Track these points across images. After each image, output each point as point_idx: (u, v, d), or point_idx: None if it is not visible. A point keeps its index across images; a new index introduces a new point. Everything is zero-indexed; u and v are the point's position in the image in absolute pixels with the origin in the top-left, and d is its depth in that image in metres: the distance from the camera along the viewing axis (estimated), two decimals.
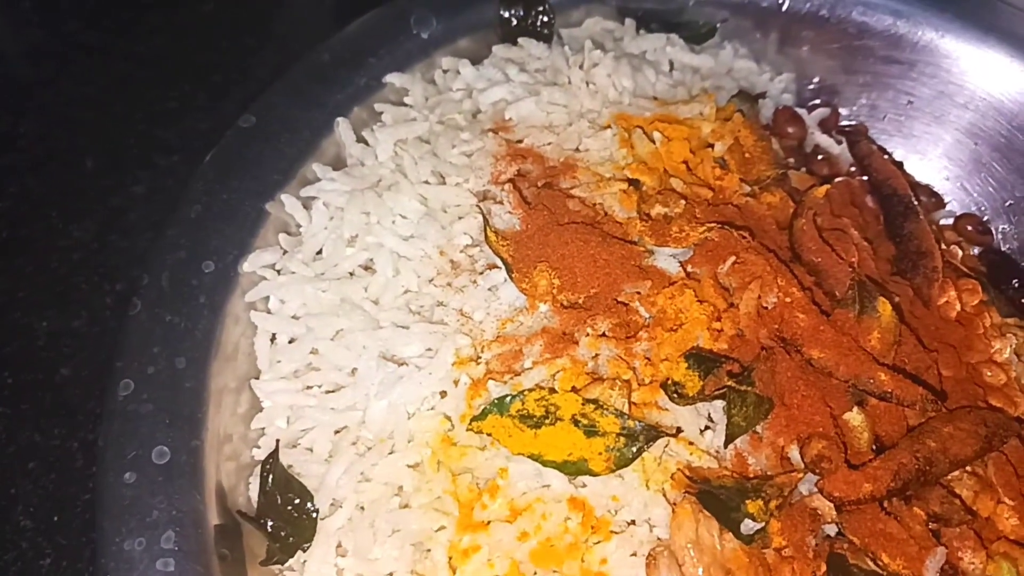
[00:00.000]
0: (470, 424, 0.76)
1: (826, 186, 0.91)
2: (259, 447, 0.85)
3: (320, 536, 0.79)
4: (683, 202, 0.85)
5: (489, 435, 0.76)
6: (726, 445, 0.75)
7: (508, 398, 0.75)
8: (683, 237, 0.82)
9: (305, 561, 0.79)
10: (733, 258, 0.83)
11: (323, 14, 1.51)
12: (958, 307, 1.01)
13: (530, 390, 0.76)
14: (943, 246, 1.11)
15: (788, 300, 0.81)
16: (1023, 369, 1.02)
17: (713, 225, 0.83)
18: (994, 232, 1.18)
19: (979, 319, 1.02)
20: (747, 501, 0.72)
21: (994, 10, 1.15)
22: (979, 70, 1.14)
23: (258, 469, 0.82)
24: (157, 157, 1.30)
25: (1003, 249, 1.17)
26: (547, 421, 0.74)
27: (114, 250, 1.21)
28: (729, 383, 0.73)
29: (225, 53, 1.43)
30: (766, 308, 0.82)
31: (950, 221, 1.19)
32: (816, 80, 1.23)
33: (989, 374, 0.98)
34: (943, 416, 0.83)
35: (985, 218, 1.19)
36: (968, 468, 0.86)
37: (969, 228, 1.18)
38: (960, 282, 1.03)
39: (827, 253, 0.87)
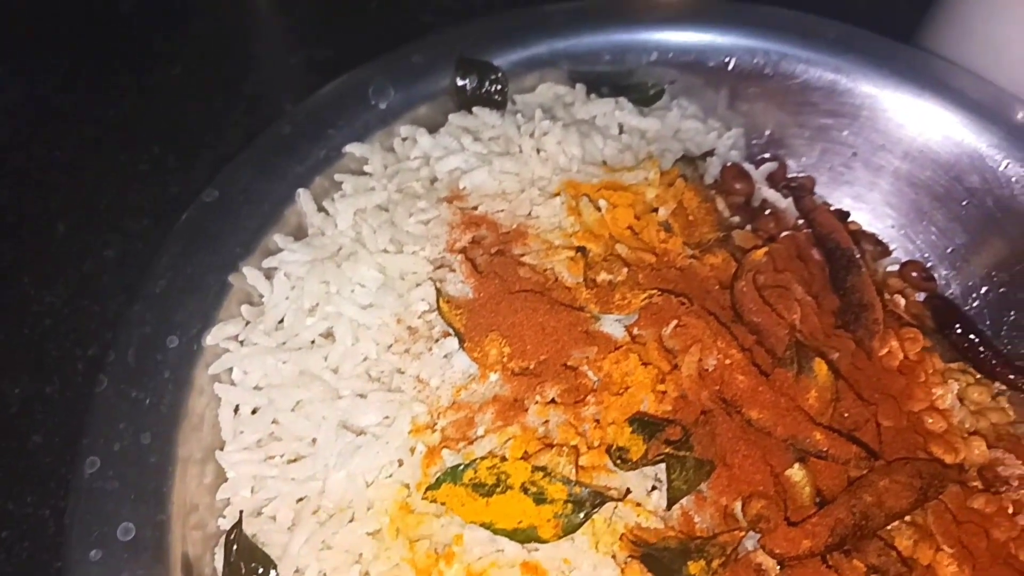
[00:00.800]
0: (425, 493, 0.79)
1: (763, 249, 0.95)
2: (224, 516, 0.88)
3: None
4: (625, 270, 0.89)
5: (443, 504, 0.79)
6: (668, 508, 0.78)
7: (461, 467, 0.79)
8: (625, 304, 0.86)
9: None
10: (675, 322, 0.87)
11: (290, 75, 1.55)
12: (901, 356, 1.06)
13: (482, 458, 0.79)
14: (887, 295, 1.15)
15: (728, 362, 0.85)
16: (966, 414, 1.06)
17: (653, 292, 0.87)
18: (937, 278, 1.22)
19: (921, 366, 1.06)
20: (690, 562, 0.75)
21: (928, 64, 1.20)
22: (916, 123, 1.18)
23: (223, 539, 0.85)
24: (128, 221, 1.34)
25: (946, 295, 1.22)
26: (498, 489, 0.77)
27: (86, 315, 1.24)
28: (667, 450, 0.77)
29: (195, 115, 1.47)
30: (707, 370, 0.85)
31: (896, 268, 1.24)
32: (767, 133, 1.28)
33: (930, 421, 1.02)
34: (880, 469, 0.87)
35: (929, 264, 1.23)
36: (907, 518, 0.90)
37: (914, 275, 1.22)
38: (902, 331, 1.07)
39: (767, 313, 0.91)
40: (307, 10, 1.66)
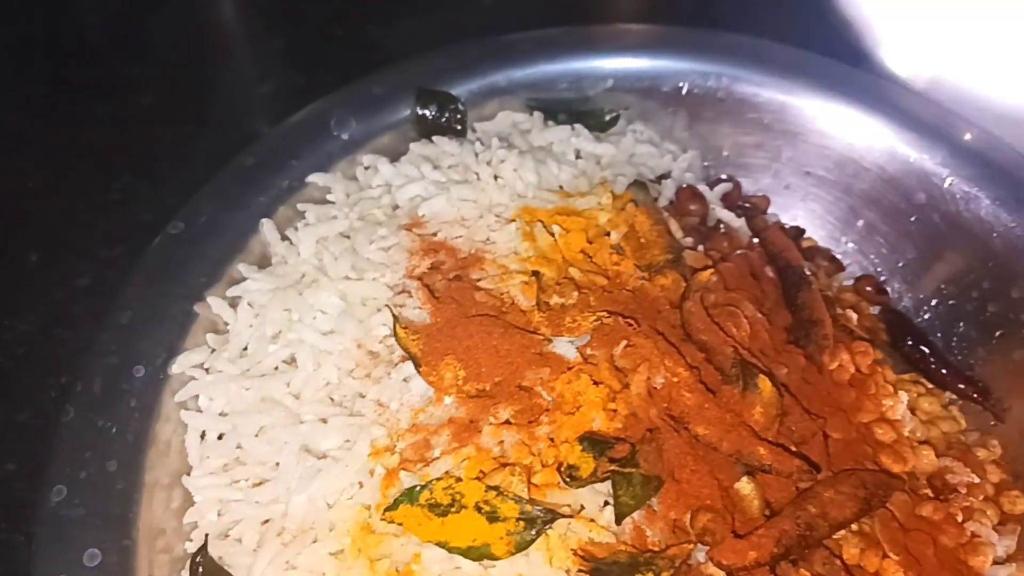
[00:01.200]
0: (383, 514, 0.82)
1: (710, 270, 0.98)
2: (191, 540, 0.90)
3: None
4: (576, 293, 0.93)
5: (401, 524, 0.81)
6: (617, 523, 0.81)
7: (417, 488, 0.82)
8: (575, 327, 0.89)
9: None
10: (625, 342, 0.90)
11: (258, 102, 1.59)
12: (852, 369, 1.09)
13: (438, 479, 0.82)
14: (841, 310, 1.19)
15: (675, 380, 0.88)
16: (917, 424, 1.10)
17: (603, 314, 0.90)
18: (890, 292, 1.26)
19: (873, 379, 1.10)
20: (637, 575, 0.78)
21: (877, 85, 1.25)
22: (865, 142, 1.22)
23: (189, 562, 0.87)
24: (100, 249, 1.36)
25: (899, 308, 1.26)
26: (453, 509, 0.80)
27: (58, 342, 1.26)
28: (612, 467, 0.80)
29: (164, 143, 1.50)
30: (656, 388, 0.89)
31: (851, 283, 1.28)
32: (723, 155, 1.32)
33: (880, 432, 1.05)
34: (825, 481, 0.90)
35: (882, 279, 1.27)
36: (855, 527, 0.93)
37: (867, 289, 1.26)
38: (853, 345, 1.11)
39: (714, 332, 0.94)
40: (274, 40, 1.70)
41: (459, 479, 0.82)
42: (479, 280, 0.97)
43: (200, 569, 0.86)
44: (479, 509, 0.80)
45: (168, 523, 0.90)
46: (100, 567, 0.81)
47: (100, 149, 1.50)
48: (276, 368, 0.95)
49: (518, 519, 0.80)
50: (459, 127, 1.15)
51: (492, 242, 1.01)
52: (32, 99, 1.57)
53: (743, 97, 1.24)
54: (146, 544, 0.85)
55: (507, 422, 0.86)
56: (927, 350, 1.18)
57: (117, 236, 1.38)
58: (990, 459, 1.11)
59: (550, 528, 0.81)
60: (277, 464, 0.89)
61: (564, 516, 0.80)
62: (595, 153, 1.15)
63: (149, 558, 0.85)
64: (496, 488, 0.81)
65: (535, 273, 0.96)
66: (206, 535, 0.87)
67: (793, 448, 0.89)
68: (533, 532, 0.79)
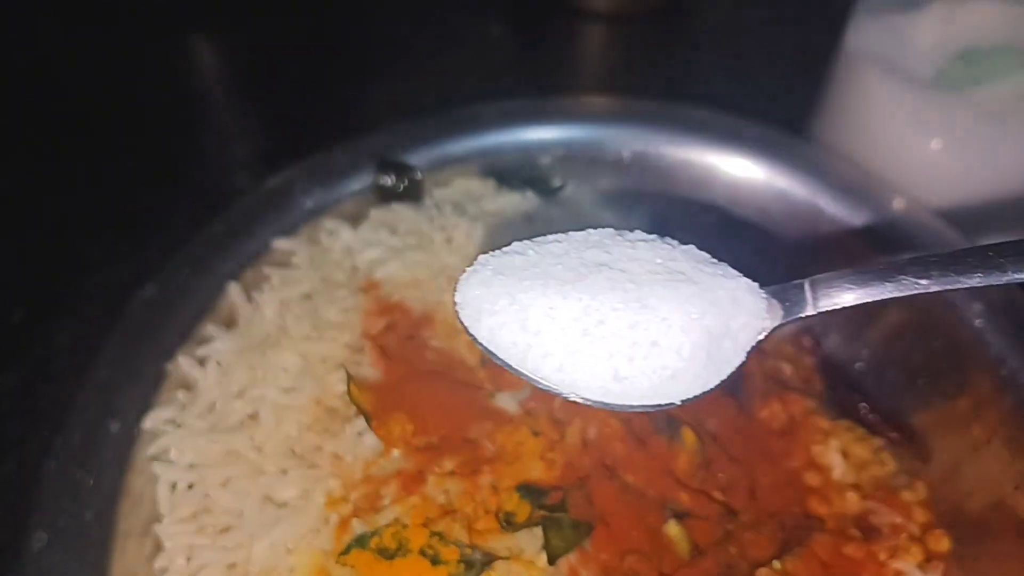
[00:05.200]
0: (337, 559, 0.89)
1: None
2: None
3: None
4: None
5: (353, 567, 0.89)
6: (550, 563, 0.89)
7: (367, 535, 0.89)
8: (515, 381, 0.97)
9: None
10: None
11: (236, 165, 1.68)
12: (783, 418, 1.17)
13: (387, 526, 0.90)
14: (773, 360, 1.27)
15: (607, 431, 0.96)
16: (847, 468, 1.17)
17: None
18: (825, 344, 1.35)
19: (804, 426, 1.18)
20: None
21: (801, 149, 1.35)
22: (795, 205, 1.32)
23: None
24: (82, 307, 1.43)
25: (834, 359, 1.34)
26: (399, 553, 0.88)
27: (41, 397, 1.33)
28: (541, 513, 0.88)
29: (146, 205, 1.58)
30: (590, 439, 0.97)
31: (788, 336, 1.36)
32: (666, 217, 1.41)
33: (808, 477, 1.13)
34: (746, 523, 0.98)
35: (817, 332, 1.35)
36: (778, 566, 1.00)
37: (804, 343, 1.34)
38: (785, 395, 1.19)
39: None
40: (252, 108, 1.79)
41: (405, 525, 0.90)
42: (429, 339, 1.05)
43: None
44: (424, 553, 0.88)
45: (140, 568, 0.96)
46: None
47: (84, 209, 1.58)
48: (241, 423, 1.03)
49: (459, 562, 0.87)
50: (416, 194, 1.24)
51: (443, 303, 1.09)
52: (16, 161, 1.66)
53: (674, 162, 1.34)
54: None
55: (452, 472, 0.94)
56: (859, 398, 1.26)
57: (97, 295, 1.45)
58: (916, 501, 1.18)
59: (490, 570, 0.88)
60: (242, 512, 0.96)
61: (501, 558, 0.88)
62: (545, 216, 1.24)
63: None
64: (439, 534, 0.88)
65: None
66: None
67: (716, 493, 0.97)
68: (472, 573, 0.87)
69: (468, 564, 0.87)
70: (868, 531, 1.12)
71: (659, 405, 0.67)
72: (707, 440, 1.02)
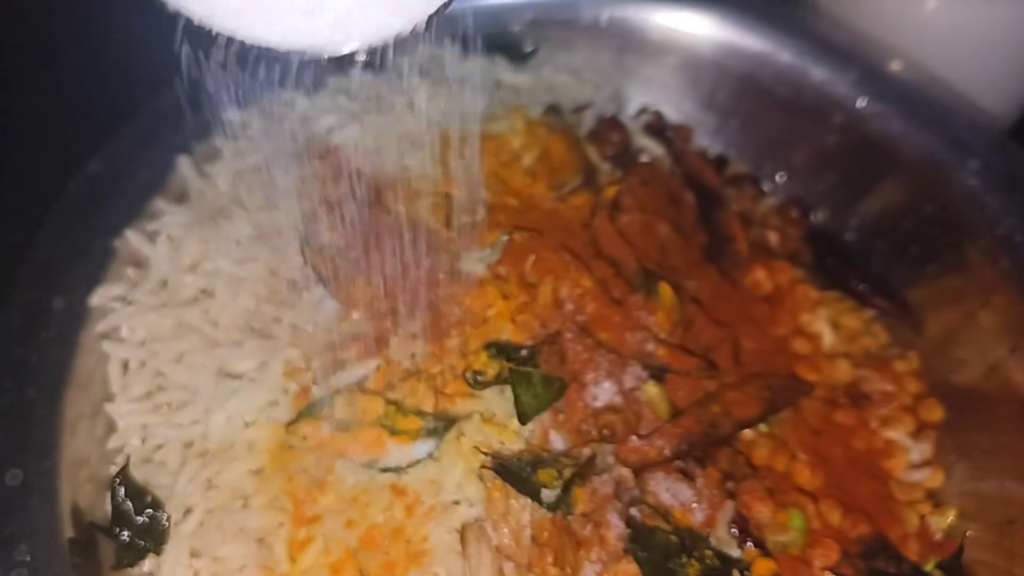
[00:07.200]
0: (287, 429, 0.85)
1: (614, 188, 1.01)
2: (116, 464, 0.92)
3: (173, 540, 0.86)
4: (483, 211, 0.95)
5: (304, 438, 0.84)
6: (521, 423, 0.84)
7: (317, 404, 0.84)
8: (481, 240, 0.92)
9: (161, 564, 0.87)
10: (533, 257, 0.92)
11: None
12: (768, 286, 1.12)
13: (337, 392, 0.84)
14: (760, 230, 1.21)
15: (580, 291, 0.91)
16: (837, 338, 1.13)
17: (511, 230, 0.92)
18: (813, 214, 1.29)
19: (791, 295, 1.13)
20: (540, 470, 0.81)
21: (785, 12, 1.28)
22: (783, 69, 1.25)
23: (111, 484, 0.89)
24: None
25: (822, 229, 1.28)
26: (354, 424, 0.83)
27: None
28: (509, 365, 0.82)
29: None
30: (562, 299, 0.91)
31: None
32: (649, 84, 1.34)
33: (797, 344, 1.09)
34: (732, 383, 0.93)
35: (805, 201, 1.30)
36: (765, 430, 0.96)
37: (791, 213, 1.29)
38: (771, 263, 1.14)
39: (622, 246, 0.97)
40: None
41: (364, 391, 0.85)
42: (391, 203, 0.99)
43: (123, 490, 0.88)
44: (382, 424, 0.83)
45: (92, 450, 0.91)
46: (23, 487, 0.83)
47: None
48: (195, 298, 0.97)
49: (419, 431, 0.82)
50: (380, 62, 1.16)
51: (405, 168, 1.03)
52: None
53: (658, 25, 1.26)
54: (69, 468, 0.87)
55: (415, 336, 0.89)
56: (849, 268, 1.21)
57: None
58: (908, 371, 1.14)
59: (460, 433, 0.84)
60: (197, 388, 0.91)
61: (461, 419, 0.83)
62: (513, 83, 1.17)
63: (73, 481, 0.87)
64: (395, 403, 0.83)
65: (446, 195, 0.98)
66: (128, 457, 0.89)
67: (696, 351, 0.92)
68: (435, 439, 0.82)
69: (429, 432, 0.82)
70: (859, 399, 1.08)
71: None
72: (687, 301, 0.96)
